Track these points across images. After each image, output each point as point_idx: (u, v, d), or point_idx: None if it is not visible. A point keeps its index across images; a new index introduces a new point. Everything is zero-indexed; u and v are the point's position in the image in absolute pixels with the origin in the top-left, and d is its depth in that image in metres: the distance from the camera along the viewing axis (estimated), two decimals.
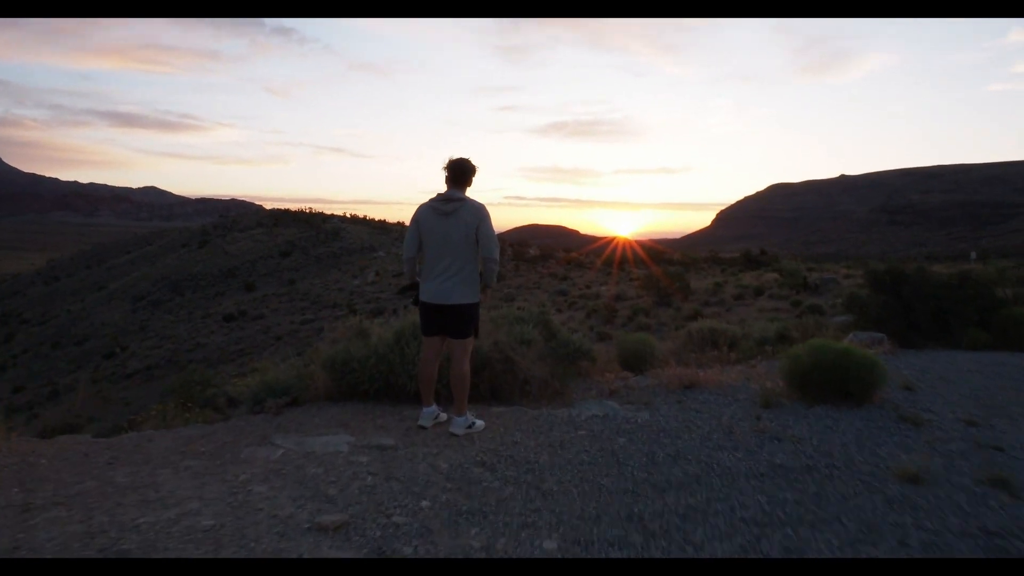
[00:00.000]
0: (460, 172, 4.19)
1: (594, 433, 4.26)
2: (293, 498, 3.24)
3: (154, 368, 33.37)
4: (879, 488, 3.31)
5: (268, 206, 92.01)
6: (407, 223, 4.38)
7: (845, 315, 12.28)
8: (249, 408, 5.00)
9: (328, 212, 78.84)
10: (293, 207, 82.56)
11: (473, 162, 4.26)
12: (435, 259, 4.15)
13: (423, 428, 4.30)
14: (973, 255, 34.19)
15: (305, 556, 2.65)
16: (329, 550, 2.70)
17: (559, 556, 2.69)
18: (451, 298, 4.10)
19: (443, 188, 4.25)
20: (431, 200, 4.20)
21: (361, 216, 79.08)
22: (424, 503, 3.21)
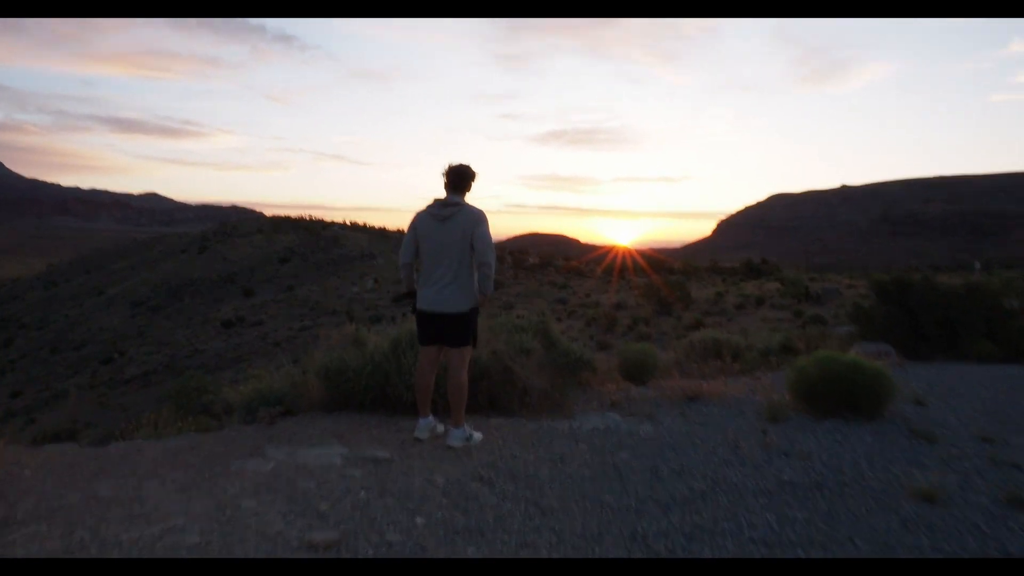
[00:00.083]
0: (459, 178, 4.09)
1: (595, 447, 4.14)
2: (283, 514, 3.11)
3: (152, 374, 33.19)
4: (893, 507, 3.18)
5: (268, 212, 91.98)
6: (406, 230, 4.27)
7: (849, 326, 12.16)
8: (242, 418, 4.87)
9: (328, 219, 78.78)
10: (293, 214, 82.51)
11: (473, 168, 4.16)
12: (432, 266, 4.03)
13: (419, 440, 4.17)
14: (977, 265, 34.06)
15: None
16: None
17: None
18: (448, 306, 3.99)
19: (442, 194, 4.14)
20: (429, 206, 4.09)
21: (360, 223, 79.01)
22: (419, 520, 3.09)
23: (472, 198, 4.19)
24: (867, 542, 2.83)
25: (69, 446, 4.62)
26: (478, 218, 3.97)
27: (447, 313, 4.00)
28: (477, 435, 4.17)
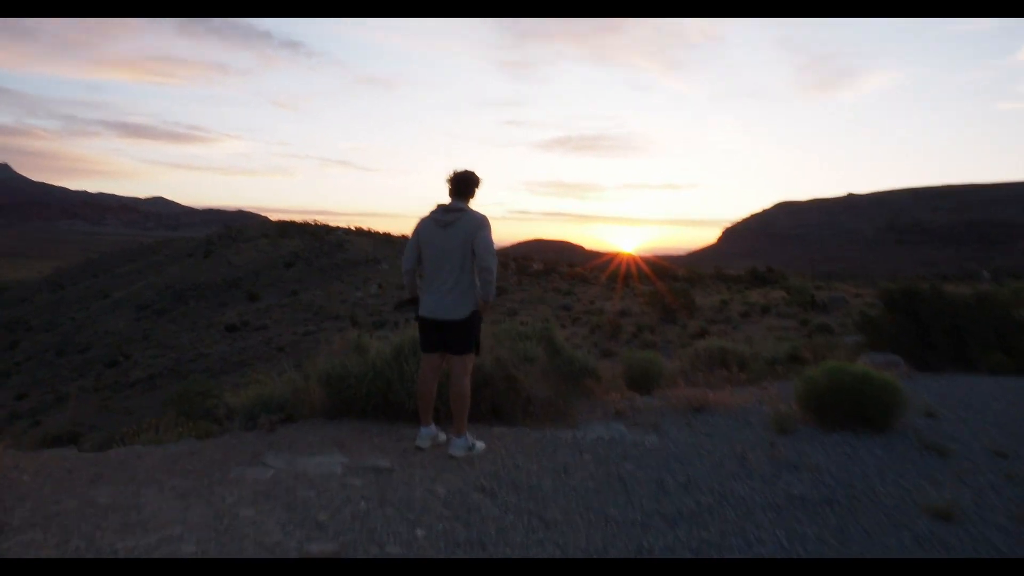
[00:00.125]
0: (463, 184, 4.04)
1: (600, 457, 4.07)
2: (281, 524, 3.06)
3: (156, 377, 33.22)
4: (906, 524, 3.10)
5: (273, 217, 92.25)
6: (410, 236, 4.22)
7: (856, 335, 12.05)
8: (242, 424, 4.82)
9: (332, 224, 79.05)
10: (298, 219, 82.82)
11: (477, 174, 4.10)
12: (434, 272, 3.98)
13: (421, 449, 4.10)
14: (986, 275, 33.76)
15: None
16: None
17: None
18: (450, 313, 3.93)
19: (447, 200, 4.10)
20: (432, 211, 4.04)
21: (365, 228, 79.23)
22: (419, 532, 3.03)
23: (476, 204, 4.14)
24: None
25: (68, 451, 4.58)
26: (480, 223, 3.92)
27: (449, 320, 3.94)
28: (479, 444, 4.11)
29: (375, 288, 45.71)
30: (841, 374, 4.53)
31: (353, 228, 77.70)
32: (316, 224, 78.38)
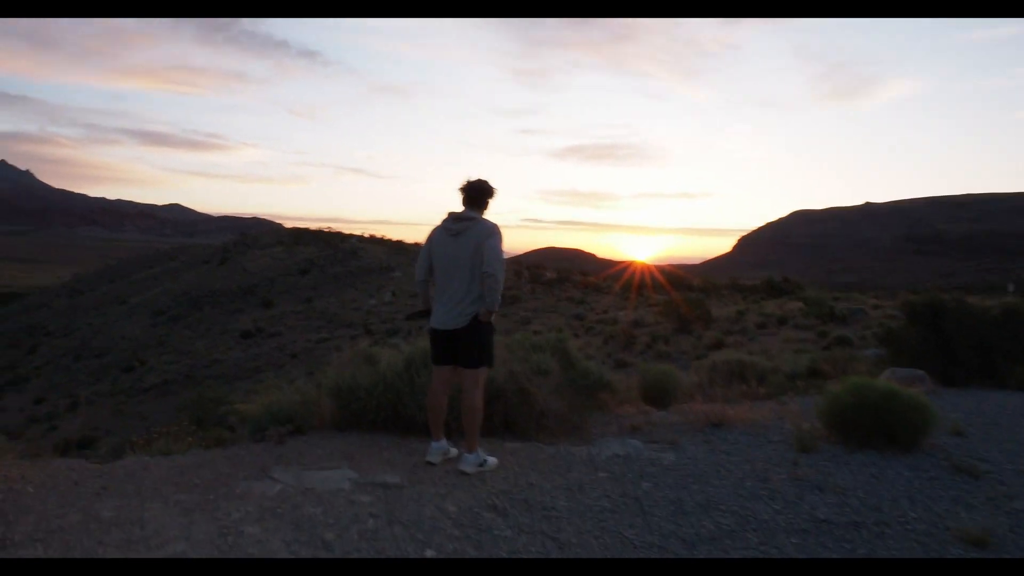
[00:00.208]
0: (476, 192, 3.95)
1: (616, 476, 3.94)
2: (287, 542, 2.97)
3: (171, 383, 33.42)
4: (939, 552, 2.95)
5: (288, 224, 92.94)
6: (423, 245, 4.13)
7: (876, 348, 11.80)
8: (250, 435, 4.74)
9: (347, 231, 79.39)
10: (313, 226, 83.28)
11: (491, 184, 4.01)
12: (445, 282, 3.88)
13: (431, 464, 4.00)
14: (1011, 287, 33.06)
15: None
16: None
17: None
18: (460, 324, 3.82)
19: (459, 209, 4.01)
20: (443, 220, 3.96)
21: (379, 236, 79.49)
22: (428, 552, 2.92)
23: (490, 214, 4.05)
24: None
25: (76, 461, 4.52)
26: (491, 231, 3.81)
27: (458, 329, 3.84)
28: (491, 460, 4.00)
29: (388, 296, 45.81)
30: (866, 391, 4.37)
31: (367, 236, 78.05)
32: (330, 232, 78.84)
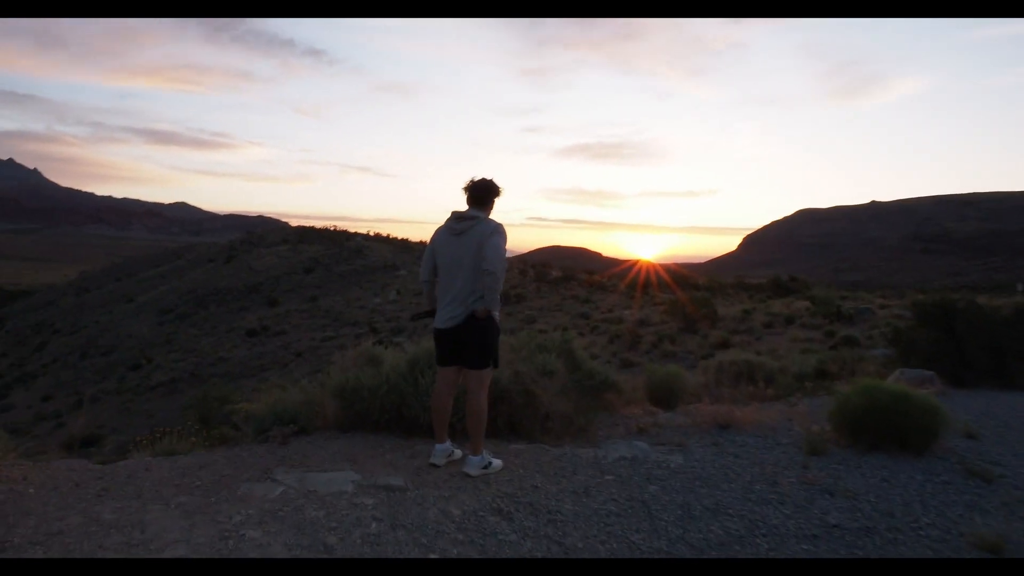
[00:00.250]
0: (480, 192, 3.87)
1: (622, 479, 3.88)
2: (288, 546, 2.92)
3: (177, 381, 33.52)
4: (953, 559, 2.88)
5: (294, 223, 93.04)
6: (428, 245, 4.08)
7: (884, 348, 11.69)
8: (253, 436, 4.71)
9: (352, 230, 79.43)
10: (318, 224, 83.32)
11: (497, 183, 3.93)
12: (448, 282, 3.82)
13: (435, 467, 3.95)
14: (1020, 286, 32.78)
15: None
16: None
17: None
18: (459, 321, 3.76)
19: (463, 208, 3.95)
20: (447, 220, 3.90)
21: (384, 234, 79.50)
22: (432, 557, 2.87)
23: (496, 213, 3.99)
24: None
25: (77, 462, 4.49)
26: (494, 230, 3.72)
27: (464, 330, 3.78)
28: (496, 462, 3.94)
29: (393, 294, 45.82)
30: (878, 393, 4.29)
31: (372, 234, 78.08)
32: (336, 230, 78.91)
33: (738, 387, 6.23)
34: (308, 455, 4.20)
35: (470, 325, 3.76)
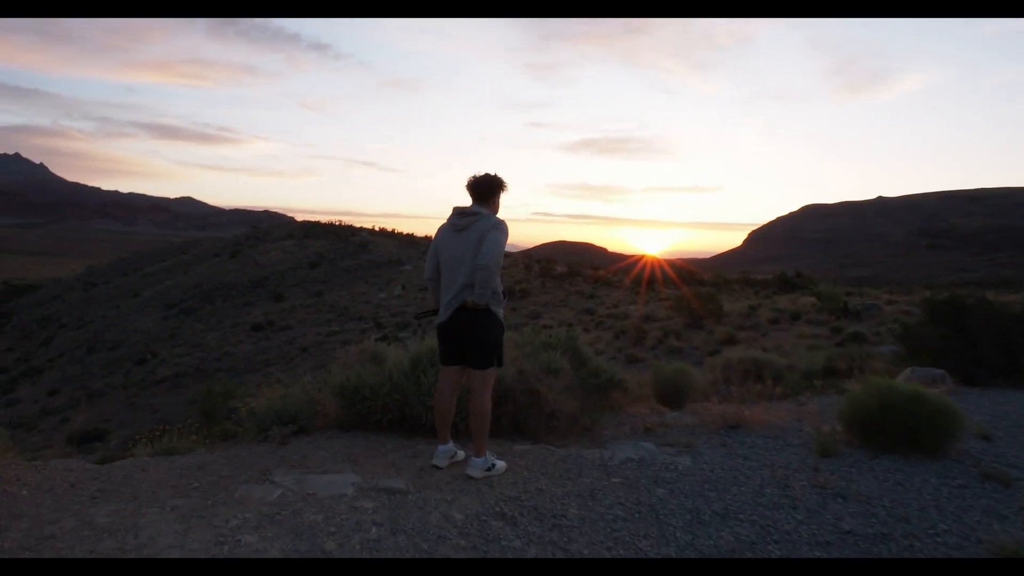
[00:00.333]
0: (483, 188, 3.77)
1: (629, 481, 3.78)
2: (285, 552, 2.84)
3: (182, 375, 33.58)
4: None
5: (299, 218, 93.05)
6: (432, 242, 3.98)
7: (891, 344, 11.55)
8: (253, 436, 4.63)
9: (357, 225, 79.38)
10: (324, 219, 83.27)
11: (501, 178, 3.83)
12: (450, 278, 3.72)
13: (437, 468, 3.87)
14: None
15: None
16: None
17: None
18: (464, 321, 3.67)
19: (466, 204, 3.85)
20: (449, 217, 3.81)
21: (389, 229, 79.45)
22: (423, 558, 2.79)
23: (502, 209, 3.89)
24: None
25: (74, 462, 4.43)
26: (494, 224, 3.62)
27: (466, 328, 3.68)
28: (500, 464, 3.85)
29: (399, 289, 45.78)
30: (891, 394, 4.18)
31: (377, 229, 78.03)
32: (341, 225, 78.89)
33: (746, 385, 6.12)
34: (308, 455, 4.13)
35: (465, 316, 3.66)
